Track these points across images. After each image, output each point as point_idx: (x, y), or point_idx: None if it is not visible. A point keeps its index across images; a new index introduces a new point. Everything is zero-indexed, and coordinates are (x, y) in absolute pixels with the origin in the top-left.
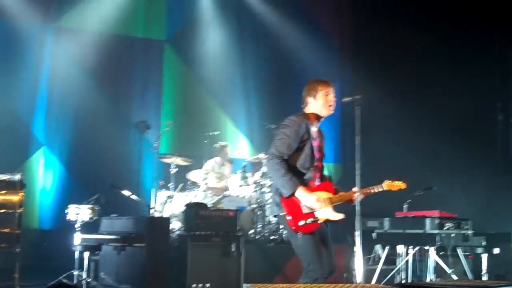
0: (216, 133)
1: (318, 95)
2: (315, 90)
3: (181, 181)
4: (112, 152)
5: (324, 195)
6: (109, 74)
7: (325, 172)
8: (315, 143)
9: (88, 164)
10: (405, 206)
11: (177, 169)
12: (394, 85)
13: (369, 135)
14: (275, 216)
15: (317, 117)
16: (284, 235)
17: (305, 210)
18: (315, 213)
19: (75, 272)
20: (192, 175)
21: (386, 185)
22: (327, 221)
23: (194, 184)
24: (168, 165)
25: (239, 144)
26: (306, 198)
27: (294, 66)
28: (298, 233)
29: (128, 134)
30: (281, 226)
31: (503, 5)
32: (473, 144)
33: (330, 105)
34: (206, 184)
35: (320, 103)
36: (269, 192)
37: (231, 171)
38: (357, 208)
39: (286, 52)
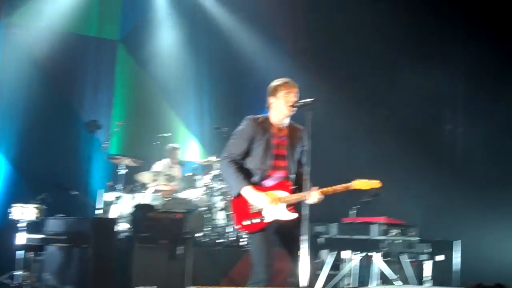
0: (167, 135)
1: (278, 94)
2: (276, 90)
3: (130, 182)
4: (61, 152)
5: (276, 195)
6: (60, 73)
7: (302, 171)
8: (276, 141)
9: (36, 163)
10: (352, 212)
11: (126, 170)
12: (346, 91)
13: (319, 139)
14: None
15: (280, 117)
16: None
17: (252, 210)
18: (262, 212)
19: (17, 273)
20: (141, 177)
21: (356, 184)
22: (280, 222)
23: (143, 186)
24: (117, 166)
25: (190, 147)
26: (253, 197)
27: (248, 69)
28: (245, 232)
29: (78, 134)
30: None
31: (452, 11)
32: (421, 152)
33: (289, 108)
34: (155, 186)
35: (281, 102)
36: (218, 195)
37: (181, 174)
38: (304, 212)
39: (239, 55)
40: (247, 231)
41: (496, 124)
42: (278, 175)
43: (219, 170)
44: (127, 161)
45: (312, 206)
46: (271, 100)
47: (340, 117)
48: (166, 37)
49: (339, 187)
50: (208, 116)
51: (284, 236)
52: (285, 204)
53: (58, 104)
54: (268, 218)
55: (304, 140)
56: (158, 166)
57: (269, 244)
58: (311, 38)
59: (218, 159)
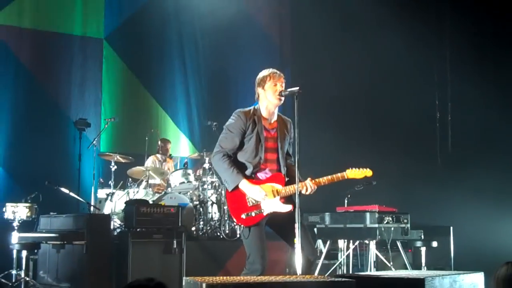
0: (156, 130)
1: (266, 85)
2: (263, 81)
3: (122, 178)
4: (50, 150)
5: (271, 187)
6: (47, 72)
7: (291, 162)
8: (268, 134)
9: (26, 163)
10: (345, 201)
11: (116, 167)
12: (334, 83)
13: (308, 131)
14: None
15: (269, 108)
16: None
17: (250, 203)
18: (259, 205)
19: (13, 272)
20: (133, 172)
21: (349, 173)
22: (275, 214)
23: (135, 181)
24: (109, 162)
25: (180, 142)
26: (250, 190)
27: (234, 64)
28: (242, 226)
29: (67, 132)
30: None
31: (442, 6)
32: (412, 140)
33: (277, 98)
34: (147, 181)
35: (269, 93)
36: (210, 189)
37: (172, 168)
38: (297, 201)
39: (226, 51)
40: (245, 225)
41: (487, 111)
42: (270, 167)
43: (211, 165)
44: (117, 158)
45: (304, 196)
46: (259, 91)
47: (329, 109)
48: (152, 33)
49: (334, 177)
50: (196, 110)
51: (280, 227)
52: (279, 197)
53: (45, 104)
54: (266, 211)
55: (291, 132)
56: (149, 161)
57: (263, 236)
58: (297, 34)
59: (210, 154)
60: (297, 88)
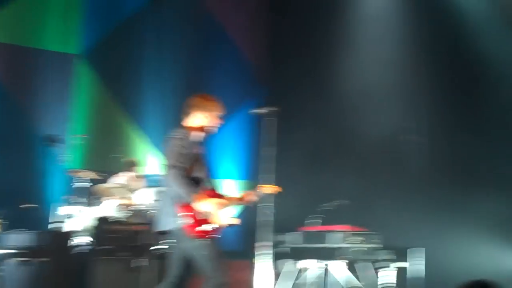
0: (126, 148)
1: (211, 114)
2: (210, 108)
3: (88, 195)
4: (17, 166)
5: (217, 201)
6: (17, 87)
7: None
8: (200, 151)
9: None
10: (314, 220)
11: (84, 184)
12: (309, 102)
13: (283, 150)
14: (168, 230)
15: (200, 131)
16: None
17: (201, 217)
18: (210, 219)
19: None
20: (101, 189)
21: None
22: (225, 226)
23: (101, 199)
24: (77, 179)
25: (151, 160)
26: (202, 205)
27: (208, 83)
28: (198, 240)
29: (35, 148)
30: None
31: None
32: (382, 161)
33: (215, 128)
34: (115, 198)
35: (208, 121)
36: None
37: (141, 186)
38: (258, 219)
39: (203, 68)
40: (200, 238)
41: (460, 133)
42: (207, 182)
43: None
44: (85, 174)
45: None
46: (199, 114)
47: (305, 128)
48: (127, 51)
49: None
50: (171, 129)
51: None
52: (225, 210)
53: (14, 119)
54: (216, 224)
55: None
56: (118, 178)
57: (219, 251)
58: (273, 51)
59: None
60: (271, 108)
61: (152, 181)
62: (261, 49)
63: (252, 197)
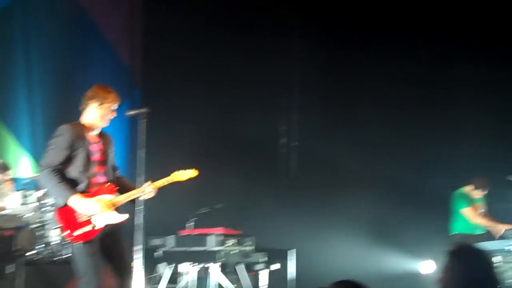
0: None
1: (104, 105)
2: (103, 100)
3: None
4: None
5: (103, 200)
6: None
7: (119, 174)
8: (94, 148)
9: None
10: (189, 224)
11: None
12: (184, 104)
13: (159, 152)
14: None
15: (97, 125)
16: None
17: (82, 218)
18: (92, 219)
19: None
20: None
21: (174, 176)
22: (111, 226)
23: None
24: None
25: (22, 162)
26: (82, 205)
27: (83, 82)
28: (76, 243)
29: None
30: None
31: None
32: (258, 164)
33: (109, 120)
34: None
35: (101, 113)
36: (51, 211)
37: (11, 189)
38: (137, 222)
39: (75, 68)
40: (79, 242)
41: (332, 137)
42: (100, 180)
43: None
44: None
45: (147, 219)
46: (93, 105)
47: (181, 129)
48: None
49: (166, 180)
50: (41, 129)
51: (111, 252)
52: (113, 207)
53: None
54: (99, 225)
55: (113, 145)
56: None
57: (98, 254)
58: (148, 54)
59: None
60: (145, 109)
61: (24, 185)
62: (136, 50)
63: (149, 191)
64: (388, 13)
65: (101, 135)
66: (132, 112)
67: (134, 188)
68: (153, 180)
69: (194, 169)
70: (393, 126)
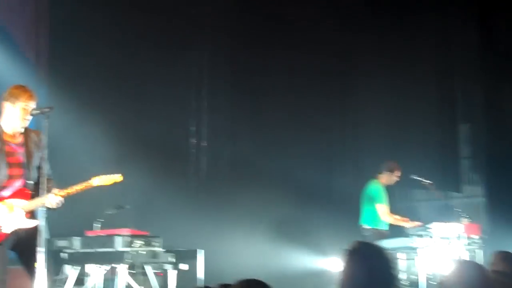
0: None
1: (18, 103)
2: (16, 99)
3: None
4: None
5: (13, 204)
6: None
7: (44, 175)
8: (12, 149)
9: None
10: (97, 224)
11: None
12: (92, 102)
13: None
14: None
15: (14, 124)
16: None
17: None
18: (0, 223)
19: None
20: None
21: (96, 180)
22: (19, 234)
23: None
24: None
25: None
26: None
27: None
28: None
29: None
30: None
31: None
32: (167, 165)
33: (26, 119)
34: None
35: (18, 112)
36: None
37: None
38: (41, 224)
39: None
40: None
41: (238, 138)
42: (16, 184)
43: None
44: None
45: (52, 220)
46: (7, 105)
47: (86, 128)
48: None
49: (79, 186)
50: None
51: (22, 251)
52: (23, 212)
53: None
54: (6, 229)
55: (42, 145)
56: None
57: (5, 259)
58: (54, 52)
59: None
60: (49, 107)
61: None
62: (42, 49)
63: (53, 201)
64: (292, 15)
65: (26, 135)
66: (34, 112)
67: (51, 192)
68: (63, 186)
69: (119, 174)
70: (300, 126)
